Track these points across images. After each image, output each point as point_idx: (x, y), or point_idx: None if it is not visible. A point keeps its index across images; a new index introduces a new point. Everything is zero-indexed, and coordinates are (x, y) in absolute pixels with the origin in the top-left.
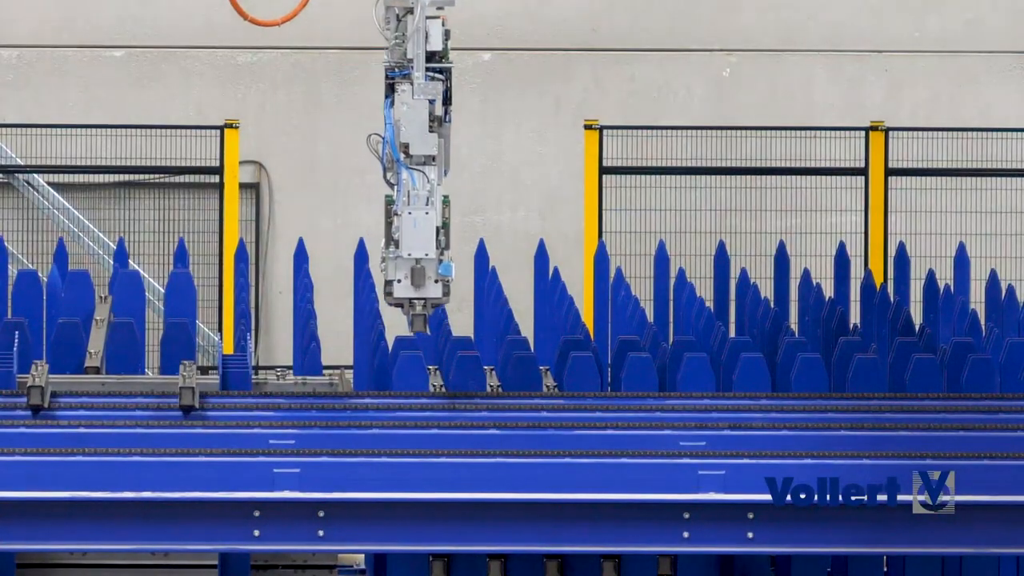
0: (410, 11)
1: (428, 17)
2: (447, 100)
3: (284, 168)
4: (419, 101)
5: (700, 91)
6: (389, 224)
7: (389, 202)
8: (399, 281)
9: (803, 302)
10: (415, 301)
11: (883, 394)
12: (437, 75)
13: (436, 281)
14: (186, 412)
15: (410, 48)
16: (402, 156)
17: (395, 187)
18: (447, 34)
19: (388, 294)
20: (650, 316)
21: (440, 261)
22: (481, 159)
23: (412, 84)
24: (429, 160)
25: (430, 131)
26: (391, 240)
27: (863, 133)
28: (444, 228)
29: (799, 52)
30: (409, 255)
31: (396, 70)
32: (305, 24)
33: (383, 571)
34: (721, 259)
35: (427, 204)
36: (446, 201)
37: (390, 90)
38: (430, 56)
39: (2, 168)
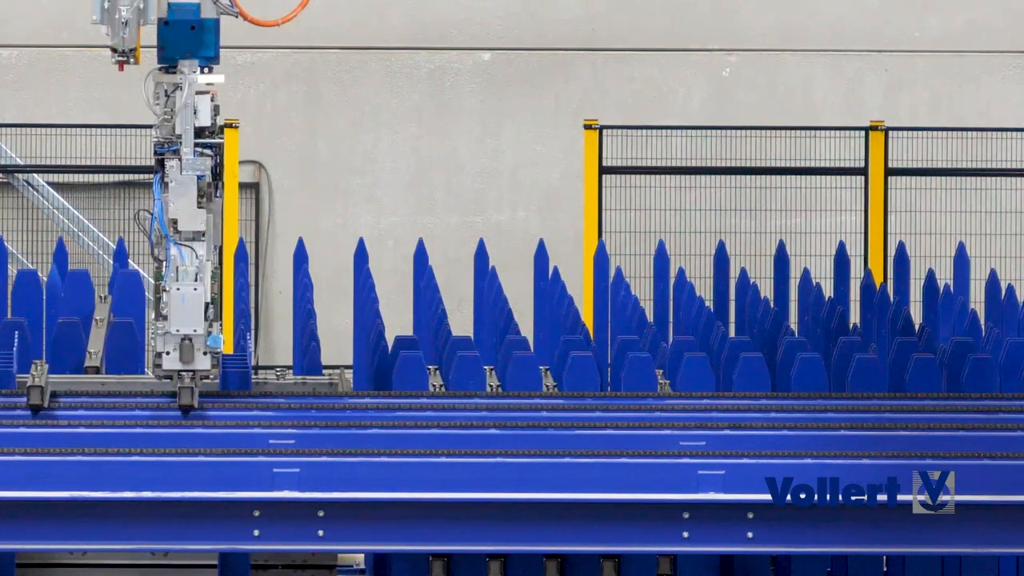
0: (179, 87)
1: (198, 93)
2: (217, 175)
3: (284, 168)
4: (188, 176)
5: (700, 91)
6: (158, 300)
7: (158, 278)
8: (168, 354)
9: (803, 302)
10: (183, 373)
11: (883, 394)
12: (206, 151)
13: (205, 354)
14: (186, 412)
15: (179, 124)
16: (171, 232)
17: (164, 263)
18: (216, 109)
19: (157, 366)
20: (650, 316)
21: (209, 334)
22: (481, 159)
23: (181, 160)
24: (198, 236)
25: (199, 207)
26: (160, 315)
27: (863, 133)
28: (214, 303)
29: (798, 52)
30: (177, 331)
31: (165, 146)
32: (305, 24)
33: (383, 571)
34: (721, 259)
35: (196, 280)
36: (215, 276)
37: (160, 166)
38: (199, 132)
39: (2, 168)
